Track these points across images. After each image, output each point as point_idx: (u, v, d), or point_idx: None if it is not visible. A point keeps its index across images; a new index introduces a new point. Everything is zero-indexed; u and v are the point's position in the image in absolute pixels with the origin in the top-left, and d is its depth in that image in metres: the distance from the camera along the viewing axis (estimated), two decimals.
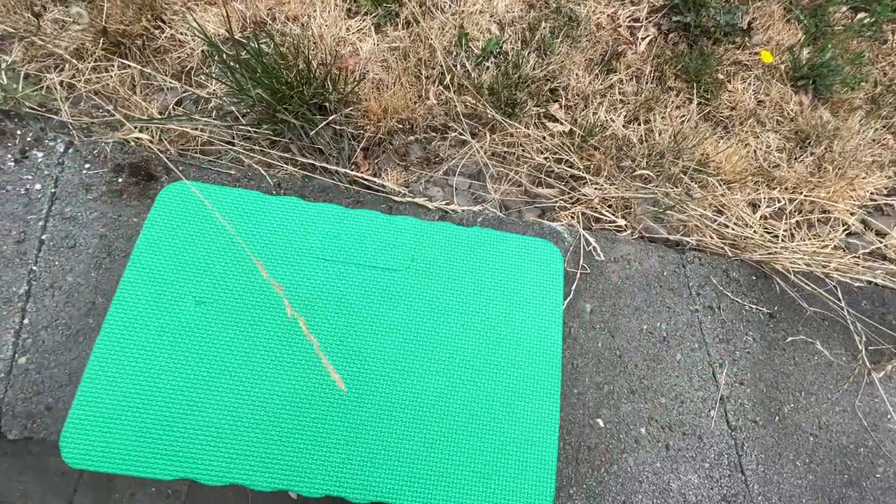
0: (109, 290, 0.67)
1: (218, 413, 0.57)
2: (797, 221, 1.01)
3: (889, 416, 0.78)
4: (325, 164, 0.87)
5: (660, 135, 1.03)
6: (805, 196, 1.01)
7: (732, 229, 0.91)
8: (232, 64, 0.81)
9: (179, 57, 0.95)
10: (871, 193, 1.08)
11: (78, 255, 0.69)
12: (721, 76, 1.11)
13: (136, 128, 0.81)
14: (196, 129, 0.87)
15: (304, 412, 0.58)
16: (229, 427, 0.57)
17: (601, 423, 0.71)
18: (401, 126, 0.96)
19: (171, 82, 0.91)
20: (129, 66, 0.89)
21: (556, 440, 0.64)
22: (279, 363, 0.60)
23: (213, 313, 0.61)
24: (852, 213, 1.06)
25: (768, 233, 0.94)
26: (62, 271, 0.68)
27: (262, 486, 0.55)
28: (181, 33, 0.97)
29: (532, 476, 0.61)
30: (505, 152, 0.96)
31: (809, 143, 1.08)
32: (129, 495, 0.88)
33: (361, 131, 0.94)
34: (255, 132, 0.89)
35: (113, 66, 0.89)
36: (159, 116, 0.87)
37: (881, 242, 1.02)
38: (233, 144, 0.87)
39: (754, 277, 0.86)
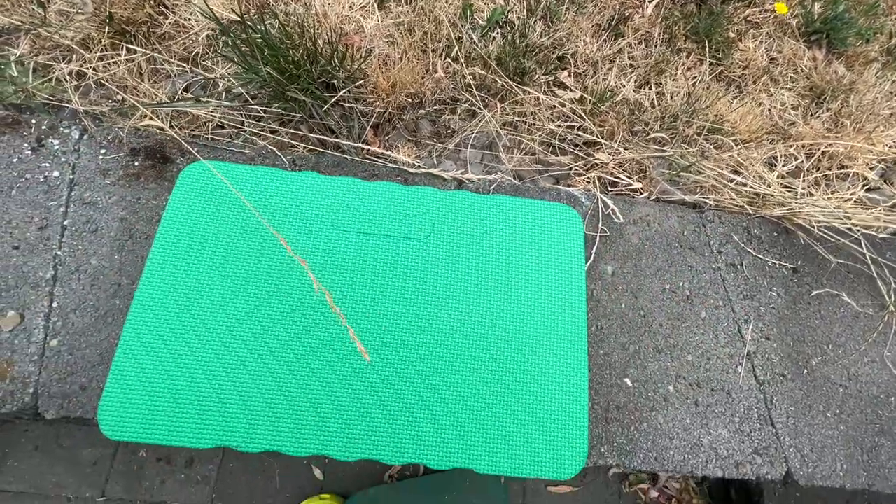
0: (133, 272, 0.67)
1: (249, 383, 0.58)
2: (815, 178, 1.00)
3: None
4: (336, 141, 0.87)
5: (672, 97, 1.01)
6: (823, 151, 1.00)
7: (751, 187, 0.90)
8: (240, 45, 0.81)
9: (184, 42, 0.95)
10: (890, 147, 1.06)
11: (100, 238, 0.69)
12: (732, 35, 1.09)
13: (148, 112, 0.81)
14: (206, 112, 0.87)
15: (333, 382, 0.59)
16: (261, 397, 0.57)
17: (629, 383, 0.71)
18: (410, 101, 0.96)
19: (178, 65, 0.91)
20: (136, 50, 0.89)
21: (586, 399, 0.64)
22: (307, 333, 0.60)
23: (240, 288, 0.62)
24: (871, 168, 1.04)
25: (788, 189, 0.93)
26: (86, 255, 0.68)
27: (298, 451, 0.56)
28: (185, 19, 0.96)
29: (565, 435, 0.61)
30: (517, 121, 0.95)
31: (825, 98, 1.06)
32: (160, 482, 0.89)
33: (370, 108, 0.94)
34: (265, 112, 0.89)
35: (120, 54, 0.89)
36: (169, 101, 0.87)
37: None
38: (243, 126, 0.87)
39: (776, 233, 0.85)
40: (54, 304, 0.65)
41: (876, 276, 0.81)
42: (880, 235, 0.87)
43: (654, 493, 0.97)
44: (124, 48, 0.89)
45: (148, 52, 0.90)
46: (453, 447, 0.58)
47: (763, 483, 0.87)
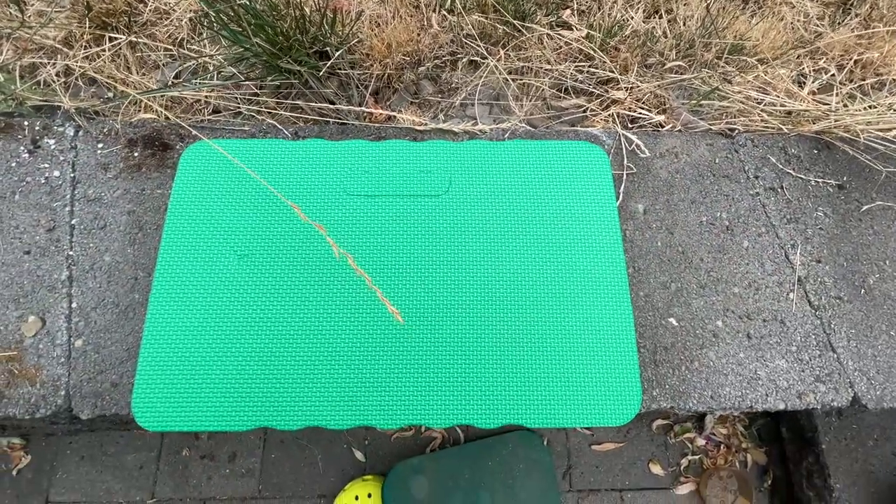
0: (148, 264, 0.65)
1: (283, 359, 0.56)
2: (849, 91, 0.93)
3: None
4: (337, 109, 0.83)
5: (685, 23, 0.95)
6: (856, 60, 0.92)
7: (782, 106, 0.83)
8: (225, 20, 0.77)
9: (168, 29, 0.91)
10: None
11: (110, 234, 0.67)
12: None
13: (142, 100, 0.78)
14: (201, 95, 0.83)
15: (368, 347, 0.56)
16: (296, 371, 0.55)
17: (674, 322, 0.67)
18: (407, 60, 0.91)
19: (165, 51, 0.87)
20: (118, 38, 0.85)
21: (633, 340, 0.61)
22: (335, 302, 0.57)
23: (259, 264, 0.59)
24: None
25: (823, 104, 0.86)
26: (98, 252, 0.66)
27: (339, 424, 0.54)
28: (165, 3, 0.92)
29: (616, 379, 0.58)
30: (523, 67, 0.90)
31: (852, 3, 0.98)
32: (206, 479, 0.89)
33: (368, 73, 0.89)
34: (260, 90, 0.85)
35: (104, 48, 0.86)
36: (166, 88, 0.83)
37: None
38: (240, 106, 0.84)
39: (816, 150, 0.79)
40: (73, 305, 0.64)
41: None
42: None
43: (700, 441, 0.94)
44: (107, 40, 0.85)
45: (129, 37, 0.86)
46: (501, 404, 0.55)
47: (817, 418, 0.84)
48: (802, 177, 0.76)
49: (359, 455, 0.88)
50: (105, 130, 0.73)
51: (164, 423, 0.53)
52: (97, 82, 0.85)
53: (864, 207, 0.75)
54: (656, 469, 0.90)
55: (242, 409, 0.54)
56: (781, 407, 0.64)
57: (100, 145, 0.72)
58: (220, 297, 0.58)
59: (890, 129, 0.75)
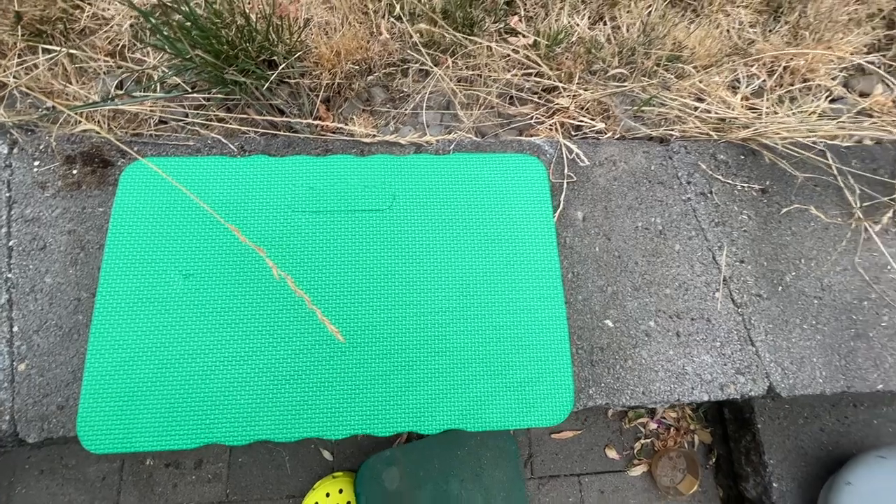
0: (91, 284, 0.65)
1: (226, 378, 0.57)
2: (779, 96, 0.98)
3: (889, 267, 0.79)
4: (287, 121, 0.83)
5: (627, 30, 0.98)
6: (785, 66, 0.98)
7: (715, 113, 0.88)
8: (164, 30, 0.75)
9: (108, 36, 0.88)
10: (851, 54, 1.04)
11: (51, 255, 0.66)
12: None
13: (76, 116, 0.76)
14: (144, 108, 0.82)
15: (310, 366, 0.58)
16: (242, 389, 0.57)
17: (610, 324, 0.72)
18: (357, 68, 0.91)
19: (105, 61, 0.85)
20: (53, 50, 0.83)
21: (567, 344, 0.65)
22: (278, 321, 0.59)
23: (203, 284, 0.60)
24: (834, 78, 1.03)
25: (752, 110, 0.92)
26: (38, 274, 0.65)
27: (287, 437, 0.56)
28: (104, 10, 0.89)
29: (550, 383, 0.62)
30: (471, 75, 0.91)
31: (782, 11, 1.03)
32: (172, 487, 0.90)
33: (317, 81, 0.89)
34: (207, 101, 0.84)
35: (38, 57, 0.83)
36: (102, 101, 0.82)
37: (865, 102, 1.00)
38: (187, 117, 0.83)
39: (742, 156, 0.84)
40: (14, 329, 0.63)
41: (842, 185, 0.81)
42: (844, 144, 0.87)
43: (652, 425, 1.00)
44: (41, 49, 0.83)
45: (65, 49, 0.83)
46: (440, 411, 0.58)
47: (753, 400, 0.90)
48: (730, 182, 0.81)
49: (327, 455, 0.90)
50: (41, 147, 0.72)
51: (111, 445, 0.54)
52: (33, 93, 0.82)
53: (784, 210, 0.81)
54: (612, 454, 0.96)
55: (190, 428, 0.55)
56: (705, 399, 0.70)
57: (36, 163, 0.71)
58: (165, 317, 0.59)
59: (802, 137, 0.81)
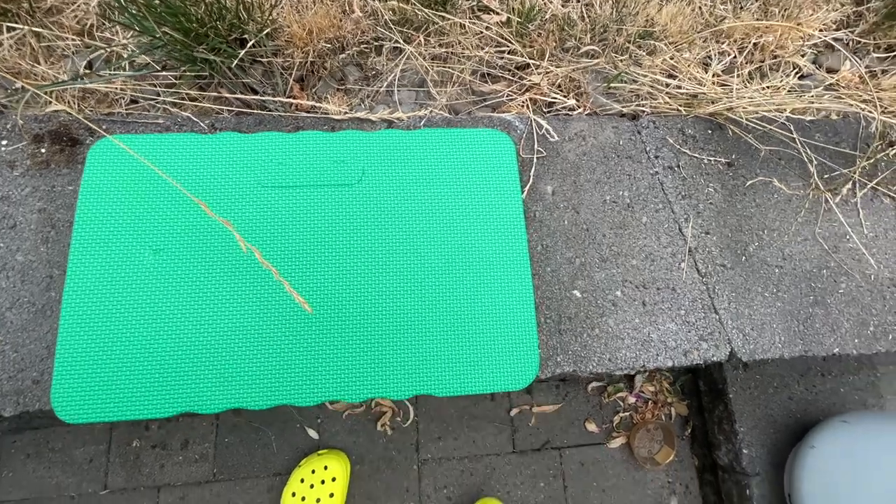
0: (63, 262, 0.65)
1: (197, 349, 0.58)
2: (749, 72, 1.00)
3: (848, 237, 0.82)
4: (261, 100, 0.83)
5: (600, 7, 0.99)
6: (755, 43, 0.99)
7: (685, 89, 0.90)
8: (132, 8, 0.75)
9: (76, 14, 0.87)
10: (820, 31, 1.06)
11: (21, 233, 0.67)
12: None
13: (48, 94, 0.76)
14: (115, 87, 0.81)
15: (280, 336, 0.59)
16: (212, 360, 0.58)
17: (578, 294, 0.74)
18: (330, 46, 0.91)
19: (73, 40, 0.84)
20: (17, 28, 0.81)
21: (533, 313, 0.67)
22: (248, 293, 0.60)
23: (172, 259, 0.61)
24: (803, 55, 1.04)
25: (723, 86, 0.93)
26: (9, 252, 0.66)
27: (259, 404, 0.58)
28: None
29: (516, 349, 0.64)
30: (445, 53, 0.92)
31: None
32: (160, 467, 0.91)
33: (290, 60, 0.89)
34: (178, 80, 0.84)
35: (2, 35, 0.82)
36: (70, 80, 0.81)
37: (833, 78, 1.02)
38: (158, 96, 0.82)
39: (710, 131, 0.86)
40: None
41: (805, 157, 0.83)
42: (809, 119, 0.89)
43: (631, 399, 1.03)
44: (4, 28, 0.81)
45: (29, 27, 0.82)
46: (410, 377, 0.60)
47: (726, 371, 0.93)
48: (697, 156, 0.83)
49: (312, 433, 0.91)
50: (8, 127, 0.71)
51: (85, 415, 0.55)
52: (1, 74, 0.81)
53: (749, 182, 0.83)
54: (592, 427, 0.98)
55: (163, 397, 0.57)
56: (669, 364, 0.72)
57: (3, 142, 0.70)
58: (135, 291, 0.60)
59: (770, 109, 0.83)
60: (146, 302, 0.60)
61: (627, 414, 1.01)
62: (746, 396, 0.94)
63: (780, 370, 0.95)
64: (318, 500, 0.80)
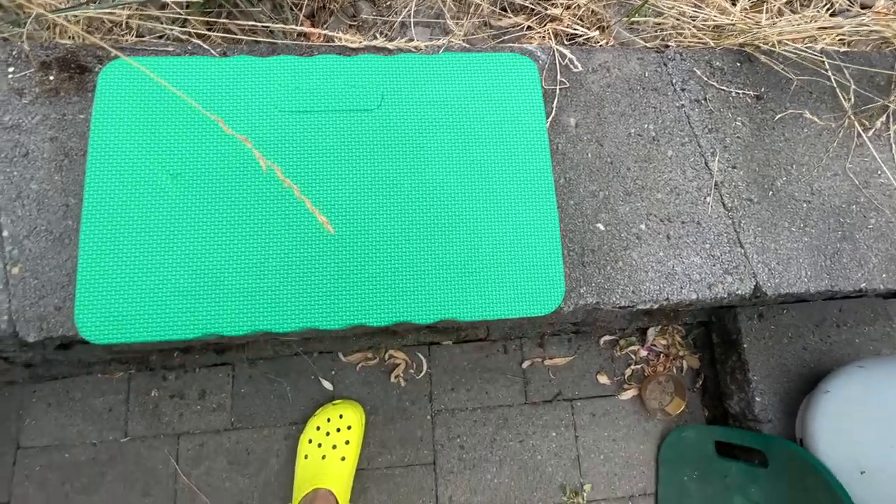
0: (79, 191, 0.64)
1: (220, 271, 0.58)
2: (779, 8, 0.95)
3: (880, 172, 0.80)
4: (271, 35, 0.80)
5: None
6: None
7: (713, 20, 0.86)
8: None
9: None
10: None
11: (34, 162, 0.65)
12: None
13: (54, 19, 0.73)
14: (121, 15, 0.78)
15: (303, 257, 0.59)
16: (235, 282, 0.57)
17: (601, 227, 0.72)
18: None
19: None
20: None
21: (558, 239, 0.65)
22: (267, 217, 0.59)
23: (190, 181, 0.59)
24: None
25: (752, 20, 0.89)
26: (24, 180, 0.64)
27: (285, 327, 0.57)
28: None
29: (542, 275, 0.63)
30: None
31: None
32: (178, 416, 0.92)
33: None
34: (187, 8, 0.81)
35: None
36: (73, 6, 0.78)
37: (866, 14, 0.97)
38: (165, 30, 0.79)
39: (738, 63, 0.82)
40: (4, 234, 0.63)
41: (837, 89, 0.80)
42: (842, 50, 0.85)
43: (643, 352, 1.02)
44: None
45: None
46: (436, 301, 0.59)
47: (741, 321, 0.93)
48: (725, 88, 0.80)
49: (327, 384, 0.93)
50: (14, 54, 0.69)
51: (110, 335, 0.55)
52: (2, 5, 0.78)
53: (778, 116, 0.80)
54: (603, 379, 0.99)
55: (187, 318, 0.56)
56: (693, 297, 0.72)
57: (10, 69, 0.68)
58: (155, 215, 0.58)
59: (802, 38, 0.79)
60: (166, 226, 0.59)
61: (639, 367, 1.01)
62: (760, 346, 0.94)
63: (794, 320, 0.94)
64: (333, 447, 0.82)
